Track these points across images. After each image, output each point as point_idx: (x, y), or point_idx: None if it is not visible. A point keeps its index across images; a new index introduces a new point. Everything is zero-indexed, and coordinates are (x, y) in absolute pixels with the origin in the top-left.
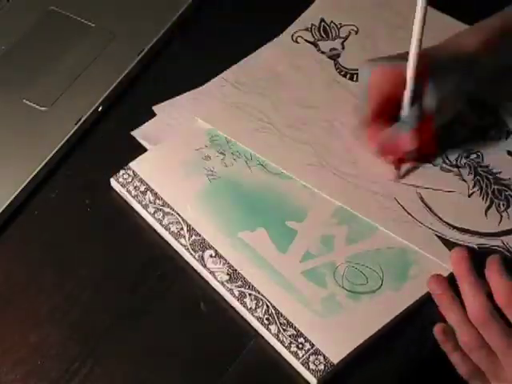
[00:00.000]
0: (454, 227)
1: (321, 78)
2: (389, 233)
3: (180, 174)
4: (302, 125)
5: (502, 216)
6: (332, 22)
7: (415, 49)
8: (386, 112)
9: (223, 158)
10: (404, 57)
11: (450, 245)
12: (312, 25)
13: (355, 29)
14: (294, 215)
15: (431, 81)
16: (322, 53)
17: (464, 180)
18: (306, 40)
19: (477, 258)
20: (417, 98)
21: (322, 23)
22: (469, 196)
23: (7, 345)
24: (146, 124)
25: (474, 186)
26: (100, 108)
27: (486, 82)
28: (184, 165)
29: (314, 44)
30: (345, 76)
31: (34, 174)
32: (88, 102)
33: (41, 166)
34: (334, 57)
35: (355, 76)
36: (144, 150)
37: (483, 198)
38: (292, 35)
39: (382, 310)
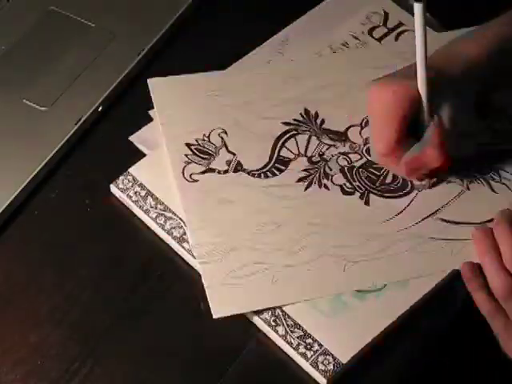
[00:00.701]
0: (452, 222)
1: None
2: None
3: None
4: None
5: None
6: (197, 139)
7: (422, 63)
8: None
9: None
10: (406, 73)
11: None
12: (186, 156)
13: (223, 130)
14: None
15: (443, 94)
16: (225, 172)
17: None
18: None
19: None
20: (435, 111)
21: (191, 147)
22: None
23: (7, 345)
24: (143, 129)
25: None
26: (100, 108)
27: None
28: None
29: (211, 170)
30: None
31: (34, 174)
32: (88, 102)
33: (41, 166)
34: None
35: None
36: (142, 152)
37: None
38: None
39: (388, 308)
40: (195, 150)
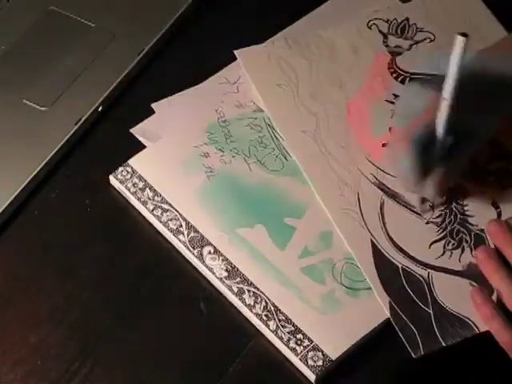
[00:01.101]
0: (393, 241)
1: (368, 69)
2: None
3: (179, 171)
4: (323, 99)
5: (444, 253)
6: (414, 24)
7: (453, 82)
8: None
9: (222, 155)
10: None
11: (378, 254)
12: (394, 19)
13: (432, 37)
14: (293, 212)
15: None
16: (386, 46)
17: (431, 207)
18: (379, 29)
19: None
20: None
21: (405, 21)
22: (426, 223)
23: (7, 345)
24: (145, 121)
25: (437, 217)
26: (100, 108)
27: None
28: (183, 162)
29: (385, 35)
30: (392, 74)
31: (34, 174)
32: (88, 102)
33: (41, 166)
34: (394, 53)
35: (401, 78)
36: (143, 148)
37: (438, 231)
38: (369, 21)
39: (381, 305)
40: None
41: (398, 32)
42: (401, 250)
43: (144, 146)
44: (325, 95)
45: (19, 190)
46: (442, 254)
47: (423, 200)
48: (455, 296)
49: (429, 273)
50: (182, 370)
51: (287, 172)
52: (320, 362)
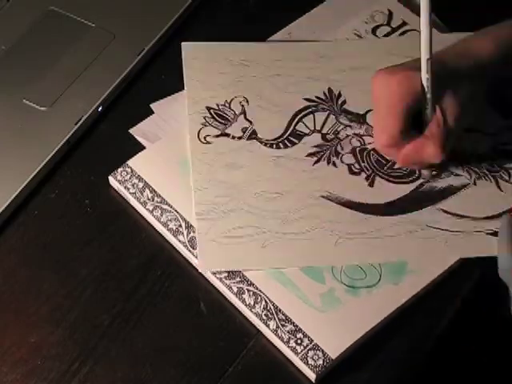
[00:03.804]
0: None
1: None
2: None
3: (178, 172)
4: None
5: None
6: (218, 104)
7: (426, 56)
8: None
9: None
10: (413, 65)
11: None
12: (205, 119)
13: (245, 99)
14: None
15: (447, 89)
16: (239, 138)
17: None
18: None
19: None
20: (438, 105)
21: (211, 110)
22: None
23: (7, 345)
24: (144, 122)
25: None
26: (100, 108)
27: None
28: (182, 162)
29: (225, 135)
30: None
31: (33, 173)
32: (88, 102)
33: (41, 166)
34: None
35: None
36: (142, 148)
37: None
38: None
39: (381, 304)
40: (214, 114)
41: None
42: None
43: (143, 147)
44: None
45: (19, 189)
46: None
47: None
48: None
49: None
50: (181, 370)
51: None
52: (320, 362)
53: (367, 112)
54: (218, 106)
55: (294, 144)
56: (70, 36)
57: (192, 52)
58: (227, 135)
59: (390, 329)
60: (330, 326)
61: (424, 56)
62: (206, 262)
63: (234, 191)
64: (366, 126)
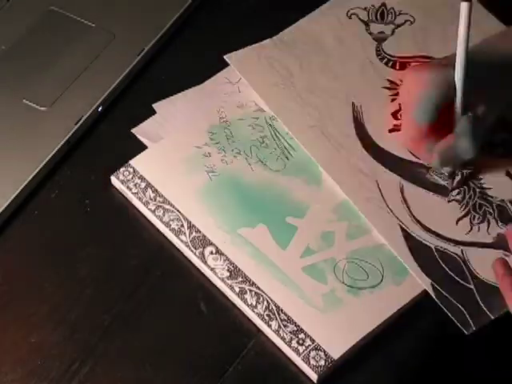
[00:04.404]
0: (421, 224)
1: (357, 56)
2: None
3: (180, 171)
4: (321, 92)
5: (472, 228)
6: (392, 8)
7: (463, 57)
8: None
9: (223, 155)
10: (445, 62)
11: (410, 238)
12: (372, 6)
13: (412, 19)
14: (294, 211)
15: (476, 84)
16: (370, 33)
17: (459, 182)
18: (359, 18)
19: None
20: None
21: (382, 7)
22: (448, 201)
23: (7, 345)
24: (147, 121)
25: (457, 194)
26: (100, 108)
27: None
28: (184, 162)
29: (366, 23)
30: (381, 60)
31: (33, 173)
32: (88, 102)
33: (41, 166)
34: (379, 40)
35: (391, 62)
36: (144, 148)
37: (461, 207)
38: (348, 11)
39: (383, 305)
40: None
41: (378, 18)
42: (430, 231)
43: (143, 147)
44: (321, 88)
45: (19, 189)
46: (470, 230)
47: (452, 175)
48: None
49: (462, 250)
50: (182, 370)
51: (288, 172)
52: (322, 362)
53: None
54: None
55: None
56: (69, 36)
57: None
58: None
59: (392, 329)
60: (332, 326)
61: (460, 55)
62: (236, 58)
63: (315, 52)
64: None
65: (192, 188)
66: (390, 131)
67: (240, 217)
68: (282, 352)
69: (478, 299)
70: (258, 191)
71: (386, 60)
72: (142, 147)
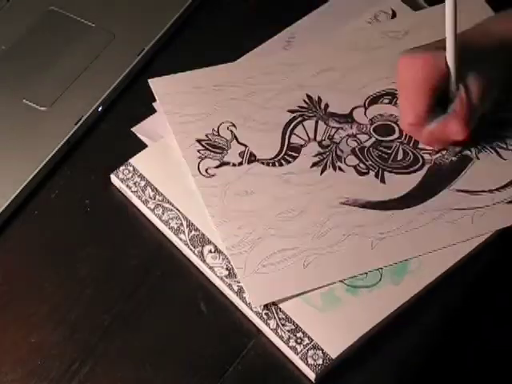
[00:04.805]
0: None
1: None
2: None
3: (180, 170)
4: None
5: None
6: (206, 135)
7: (452, 37)
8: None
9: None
10: (437, 45)
11: None
12: (199, 152)
13: (231, 123)
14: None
15: (473, 67)
16: (240, 164)
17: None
18: None
19: None
20: (462, 84)
21: (202, 142)
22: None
23: (7, 345)
24: (147, 120)
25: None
26: (100, 108)
27: None
28: (184, 161)
29: (226, 163)
30: None
31: (33, 173)
32: (88, 101)
33: (41, 166)
34: None
35: None
36: (144, 147)
37: None
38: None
39: (382, 304)
40: (207, 145)
41: None
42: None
43: (145, 146)
44: None
45: (19, 189)
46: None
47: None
48: None
49: None
50: (182, 370)
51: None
52: (320, 361)
53: (352, 110)
54: (207, 136)
55: (294, 158)
56: (69, 36)
57: (162, 87)
58: (227, 163)
59: (390, 328)
60: (331, 325)
61: (449, 36)
62: (257, 296)
63: (254, 218)
64: (356, 125)
65: (191, 187)
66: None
67: None
68: (282, 352)
69: None
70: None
71: None
72: (142, 146)
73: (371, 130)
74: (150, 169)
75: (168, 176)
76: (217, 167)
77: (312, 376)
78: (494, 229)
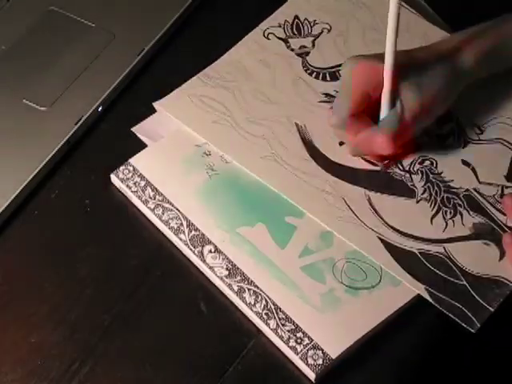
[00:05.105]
0: (398, 231)
1: (287, 76)
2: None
3: (180, 170)
4: (262, 120)
5: (447, 224)
6: (306, 19)
7: (391, 47)
8: (367, 111)
9: (223, 154)
10: (383, 57)
11: (391, 248)
12: (285, 21)
13: (328, 27)
14: (294, 211)
15: (411, 83)
16: (292, 50)
17: (414, 186)
18: (277, 37)
19: None
20: (398, 99)
21: (296, 20)
22: (417, 202)
23: (7, 345)
24: (147, 120)
25: (423, 193)
26: (100, 108)
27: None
28: (184, 161)
29: (285, 41)
30: (311, 74)
31: (33, 173)
32: (88, 101)
33: (41, 165)
34: (302, 55)
35: (321, 75)
36: (144, 147)
37: (431, 205)
38: (264, 31)
39: (381, 305)
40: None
41: (295, 32)
42: (409, 235)
43: (145, 146)
44: (261, 115)
45: (19, 189)
46: (446, 226)
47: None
48: (477, 260)
49: (444, 247)
50: (182, 370)
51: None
52: (320, 361)
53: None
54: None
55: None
56: (69, 36)
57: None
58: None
59: (390, 329)
60: (330, 325)
61: (388, 48)
62: (169, 104)
63: (243, 80)
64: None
65: (191, 187)
66: (341, 144)
67: (239, 216)
68: (282, 352)
69: (474, 294)
70: (258, 190)
71: (315, 74)
72: (142, 146)
73: None
74: (149, 169)
75: (168, 176)
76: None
77: (312, 376)
78: None
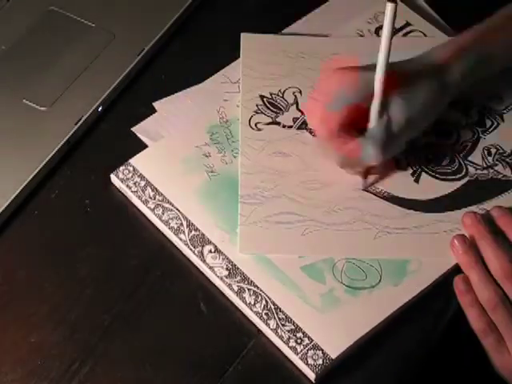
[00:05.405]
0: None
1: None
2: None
3: (180, 171)
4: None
5: None
6: (271, 93)
7: (383, 60)
8: (355, 123)
9: (223, 155)
10: (372, 68)
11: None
12: (257, 105)
13: (297, 90)
14: None
15: (400, 95)
16: (290, 127)
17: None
18: (266, 123)
19: None
20: (385, 111)
21: (264, 99)
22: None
23: (7, 345)
24: (147, 120)
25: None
26: (100, 108)
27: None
28: (184, 161)
29: (276, 123)
30: None
31: (33, 173)
32: (88, 101)
33: (41, 166)
34: (302, 126)
35: None
36: (145, 147)
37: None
38: (249, 122)
39: (381, 305)
40: (267, 103)
41: (274, 109)
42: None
43: (145, 146)
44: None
45: (19, 189)
46: None
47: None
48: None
49: None
50: (182, 370)
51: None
52: (320, 361)
53: None
54: (271, 95)
55: None
56: (70, 36)
57: (251, 43)
58: (278, 123)
59: (390, 329)
60: (330, 325)
61: (381, 59)
62: (247, 244)
63: (279, 178)
64: None
65: (191, 187)
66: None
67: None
68: (282, 352)
69: None
70: None
71: None
72: (142, 146)
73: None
74: (150, 169)
75: (168, 176)
76: (267, 124)
77: (312, 376)
78: None
